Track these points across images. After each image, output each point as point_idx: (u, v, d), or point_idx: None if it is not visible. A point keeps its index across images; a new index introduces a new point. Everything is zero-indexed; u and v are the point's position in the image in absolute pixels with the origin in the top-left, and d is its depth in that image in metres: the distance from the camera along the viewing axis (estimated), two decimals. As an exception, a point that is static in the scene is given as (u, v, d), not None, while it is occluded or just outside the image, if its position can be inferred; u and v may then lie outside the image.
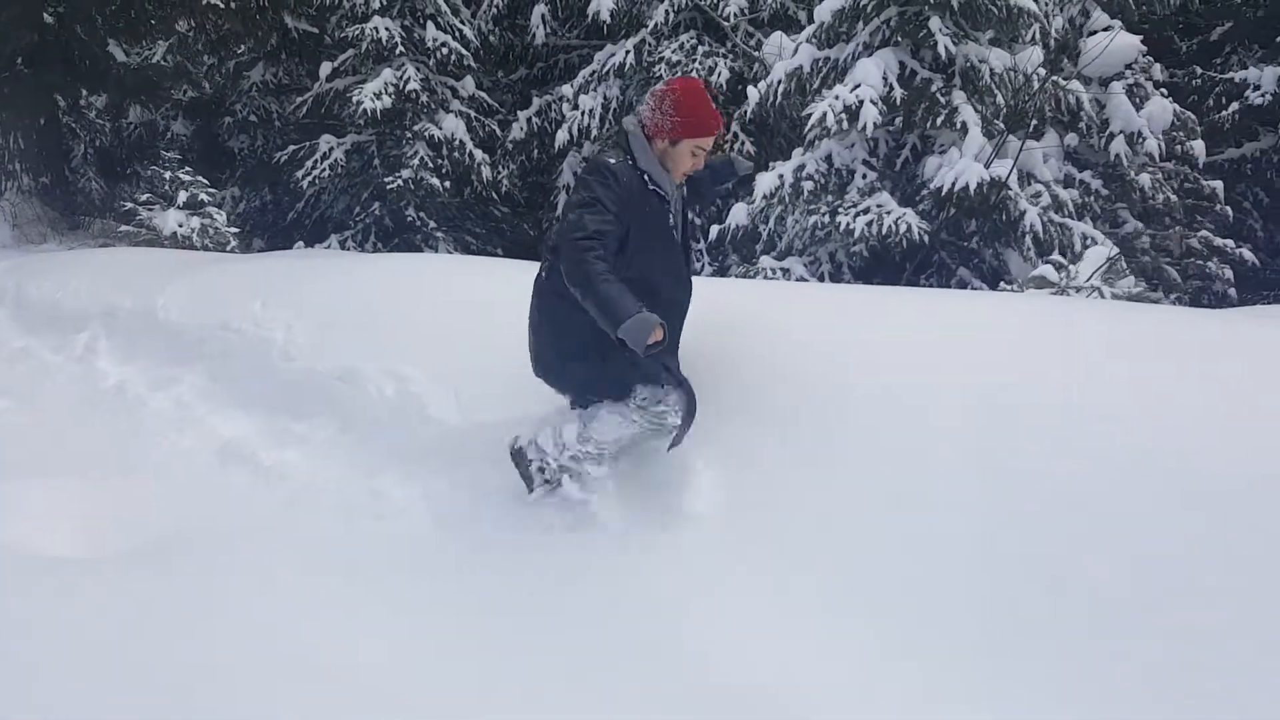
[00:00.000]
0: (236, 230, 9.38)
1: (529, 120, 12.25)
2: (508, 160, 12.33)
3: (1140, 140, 8.76)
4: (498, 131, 12.43)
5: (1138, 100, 8.92)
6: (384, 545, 3.48)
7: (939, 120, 7.29)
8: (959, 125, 7.17)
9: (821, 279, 7.66)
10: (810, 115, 7.35)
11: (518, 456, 3.63)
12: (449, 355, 4.60)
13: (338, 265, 6.28)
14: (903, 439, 3.12)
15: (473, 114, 12.21)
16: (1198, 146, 8.90)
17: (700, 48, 10.77)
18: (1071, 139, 9.16)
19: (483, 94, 12.44)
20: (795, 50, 8.17)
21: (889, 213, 7.10)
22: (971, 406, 3.09)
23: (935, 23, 7.30)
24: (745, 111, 9.02)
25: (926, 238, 7.15)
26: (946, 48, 7.22)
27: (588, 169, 3.32)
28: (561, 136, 11.15)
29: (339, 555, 3.38)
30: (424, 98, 11.63)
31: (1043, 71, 7.26)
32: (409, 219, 11.67)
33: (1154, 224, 9.65)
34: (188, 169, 9.26)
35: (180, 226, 8.87)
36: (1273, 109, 13.42)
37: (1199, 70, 15.59)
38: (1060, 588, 2.52)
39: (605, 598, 2.97)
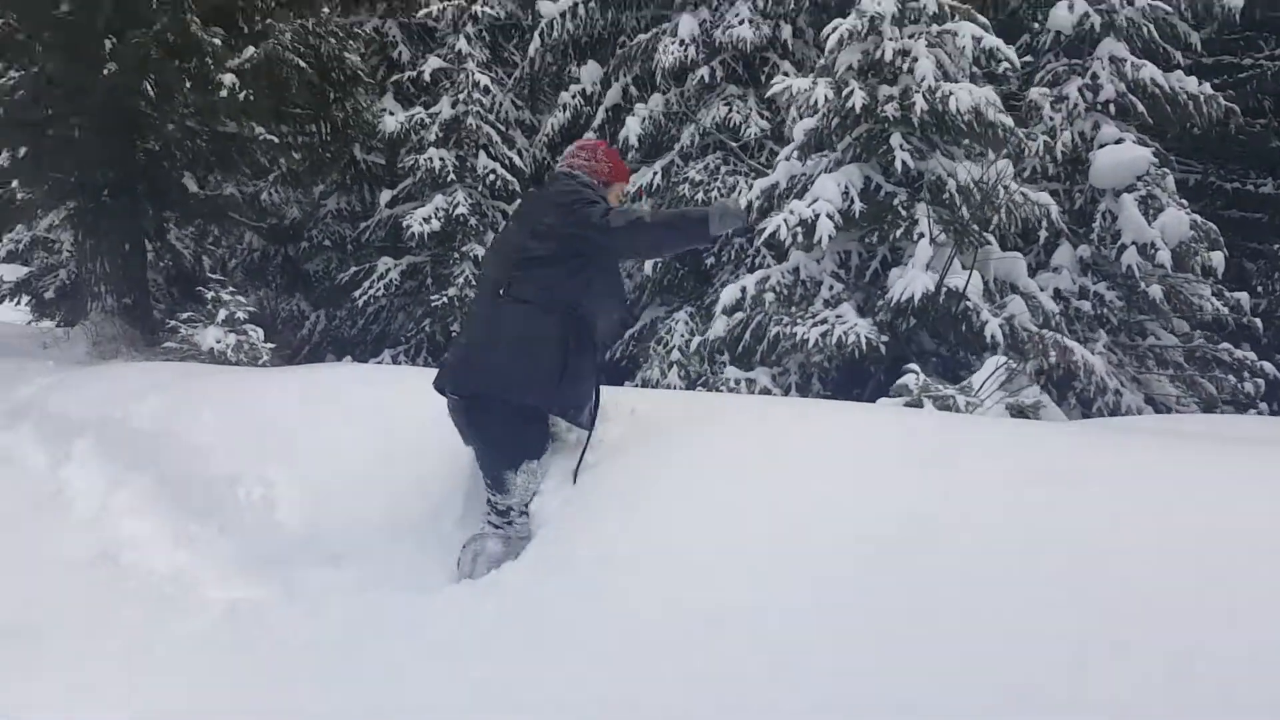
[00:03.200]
0: (273, 345, 10.05)
1: (574, 240, 12.74)
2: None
3: (1153, 251, 8.46)
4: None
5: (1151, 212, 8.64)
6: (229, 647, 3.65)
7: (899, 233, 7.29)
8: (916, 237, 7.16)
9: (787, 391, 7.65)
10: (764, 229, 7.48)
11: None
12: (326, 461, 4.87)
13: (285, 378, 6.69)
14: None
15: (522, 235, 12.80)
16: (1216, 257, 8.51)
17: (724, 168, 11.07)
18: (1084, 250, 8.93)
19: (533, 216, 13.05)
20: (775, 168, 8.36)
21: (844, 323, 7.09)
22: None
23: (896, 139, 7.38)
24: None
25: (884, 348, 7.08)
26: (905, 162, 7.27)
27: (572, 183, 3.74)
28: (598, 253, 11.56)
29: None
30: (473, 220, 12.30)
31: (1010, 184, 7.18)
32: (454, 334, 12.23)
33: (1184, 337, 9.22)
34: (231, 289, 10.05)
35: (218, 343, 9.60)
36: None
37: (1301, 176, 14.95)
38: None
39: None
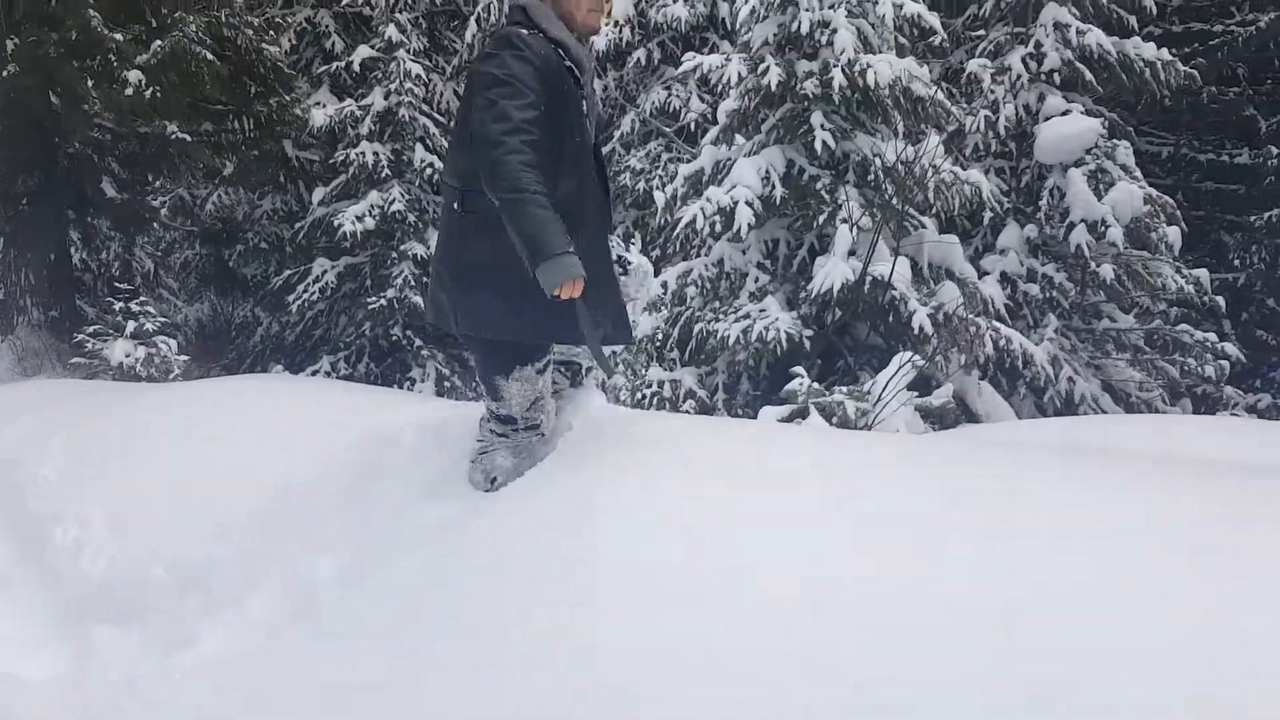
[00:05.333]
0: (186, 358, 9.57)
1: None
2: (497, 275, 12.35)
3: (1103, 229, 7.96)
4: (489, 248, 12.48)
5: (1102, 187, 8.13)
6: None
7: (822, 219, 6.79)
8: (839, 222, 6.66)
9: (714, 391, 7.17)
10: (680, 220, 6.98)
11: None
12: (164, 496, 4.38)
13: (170, 395, 6.20)
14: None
15: (463, 231, 12.30)
16: (1173, 233, 8.00)
17: (665, 155, 10.59)
18: (1031, 230, 8.43)
19: (476, 211, 12.57)
20: (699, 153, 7.86)
21: (765, 318, 6.59)
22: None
23: (816, 118, 6.87)
24: (650, 217, 8.73)
25: (808, 343, 6.58)
26: (826, 143, 6.76)
27: (495, 42, 2.78)
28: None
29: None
30: (411, 217, 11.79)
31: (939, 163, 6.68)
32: (395, 338, 11.74)
33: (1142, 319, 8.74)
34: (140, 299, 9.56)
35: (127, 356, 9.11)
36: None
37: (1275, 150, 14.51)
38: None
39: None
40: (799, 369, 4.86)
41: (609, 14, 3.06)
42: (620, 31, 10.59)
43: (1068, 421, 4.84)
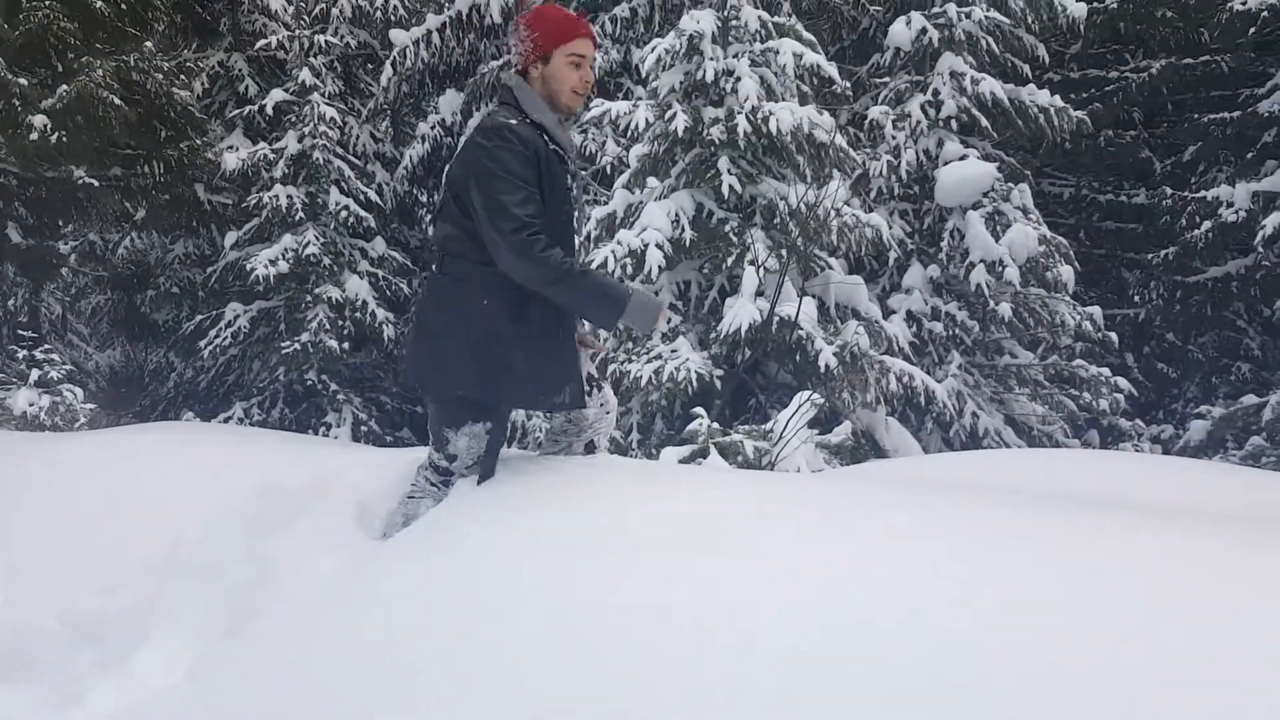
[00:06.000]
0: (93, 406, 9.34)
1: (437, 279, 12.26)
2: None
3: (1001, 268, 8.25)
4: (407, 290, 12.43)
5: (999, 228, 8.44)
6: None
7: (730, 260, 6.94)
8: (747, 263, 6.81)
9: (629, 431, 7.23)
10: (592, 262, 7.07)
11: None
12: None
13: (55, 447, 6.05)
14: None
15: (381, 274, 12.24)
16: (1066, 272, 8.33)
17: (584, 197, 10.67)
18: (934, 270, 8.71)
19: (394, 253, 12.52)
20: (611, 196, 7.98)
21: (676, 358, 6.69)
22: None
23: (724, 163, 7.04)
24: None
25: (719, 383, 6.69)
26: (733, 186, 6.92)
27: (484, 134, 2.87)
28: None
29: None
30: (325, 260, 11.70)
31: (841, 206, 6.88)
32: (309, 383, 11.60)
33: (1046, 355, 9.04)
34: (45, 347, 9.34)
35: (31, 405, 8.87)
36: (1248, 225, 12.90)
37: (1169, 190, 15.14)
38: None
39: None
40: (699, 409, 4.94)
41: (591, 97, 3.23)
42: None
43: (955, 456, 5.00)
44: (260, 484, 3.68)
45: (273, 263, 11.31)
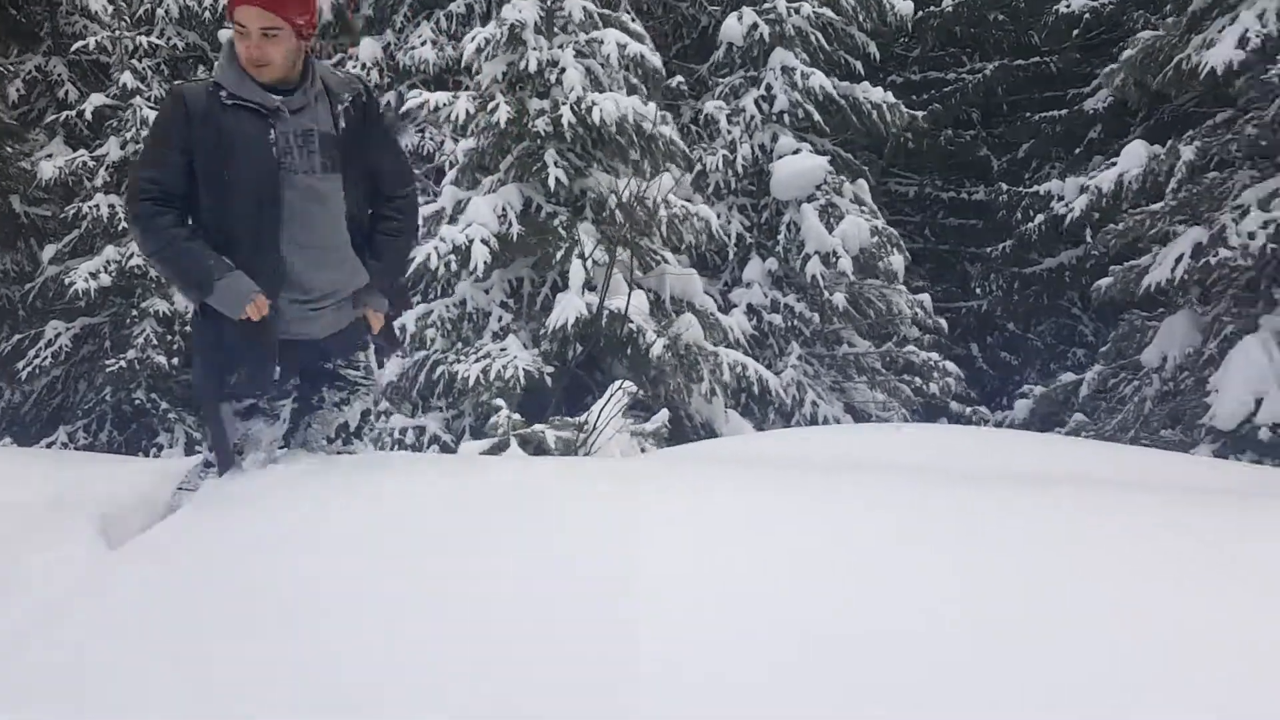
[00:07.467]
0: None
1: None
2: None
3: (835, 260, 8.34)
4: (244, 301, 11.90)
5: (832, 220, 8.53)
6: None
7: (559, 255, 6.80)
8: (576, 257, 6.69)
9: (462, 434, 7.00)
10: (414, 258, 6.83)
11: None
12: None
13: None
14: None
15: (216, 286, 11.68)
16: (897, 261, 8.47)
17: (423, 198, 10.40)
18: (772, 262, 8.75)
19: (231, 264, 11.98)
20: (439, 193, 7.76)
21: (505, 356, 6.51)
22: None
23: (550, 155, 6.90)
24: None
25: (549, 380, 6.54)
26: (560, 179, 6.79)
27: None
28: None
29: None
30: (152, 273, 11.07)
31: (671, 199, 6.81)
32: (138, 402, 10.96)
33: (878, 342, 9.19)
34: None
35: None
36: (1080, 219, 13.44)
37: (1005, 186, 15.68)
38: None
39: None
40: (500, 402, 4.78)
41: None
42: (369, 74, 10.37)
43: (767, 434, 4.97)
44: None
45: (94, 275, 10.63)
